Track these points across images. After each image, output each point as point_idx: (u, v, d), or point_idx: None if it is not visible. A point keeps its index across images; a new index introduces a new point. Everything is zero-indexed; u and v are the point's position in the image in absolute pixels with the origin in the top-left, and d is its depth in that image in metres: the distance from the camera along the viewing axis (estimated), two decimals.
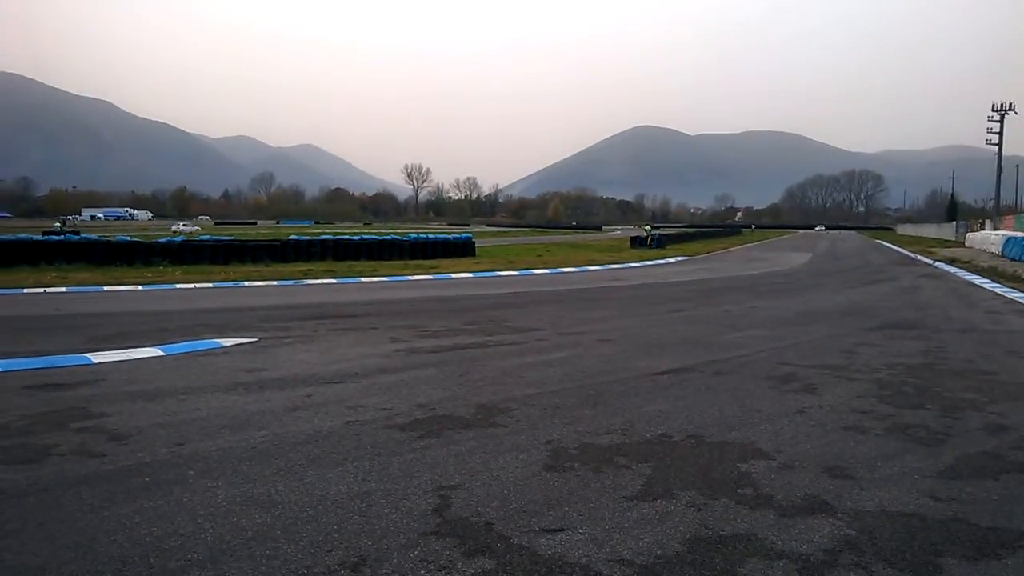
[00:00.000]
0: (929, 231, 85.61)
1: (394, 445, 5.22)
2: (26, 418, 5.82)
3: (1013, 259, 29.29)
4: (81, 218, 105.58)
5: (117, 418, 5.85)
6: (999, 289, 18.23)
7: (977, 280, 21.14)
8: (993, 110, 58.91)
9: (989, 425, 5.89)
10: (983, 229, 49.67)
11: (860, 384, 7.39)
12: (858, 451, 5.18)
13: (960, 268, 26.53)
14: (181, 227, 77.23)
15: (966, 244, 48.05)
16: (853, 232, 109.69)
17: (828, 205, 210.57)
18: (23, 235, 24.56)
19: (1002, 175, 59.73)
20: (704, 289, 19.07)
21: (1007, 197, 67.20)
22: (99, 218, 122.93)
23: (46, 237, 25.51)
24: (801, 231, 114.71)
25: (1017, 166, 68.65)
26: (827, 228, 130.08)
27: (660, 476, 4.64)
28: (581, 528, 3.84)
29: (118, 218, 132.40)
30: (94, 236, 26.79)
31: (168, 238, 26.80)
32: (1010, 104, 58.61)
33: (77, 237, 26.31)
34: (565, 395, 6.78)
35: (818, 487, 4.46)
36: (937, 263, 30.23)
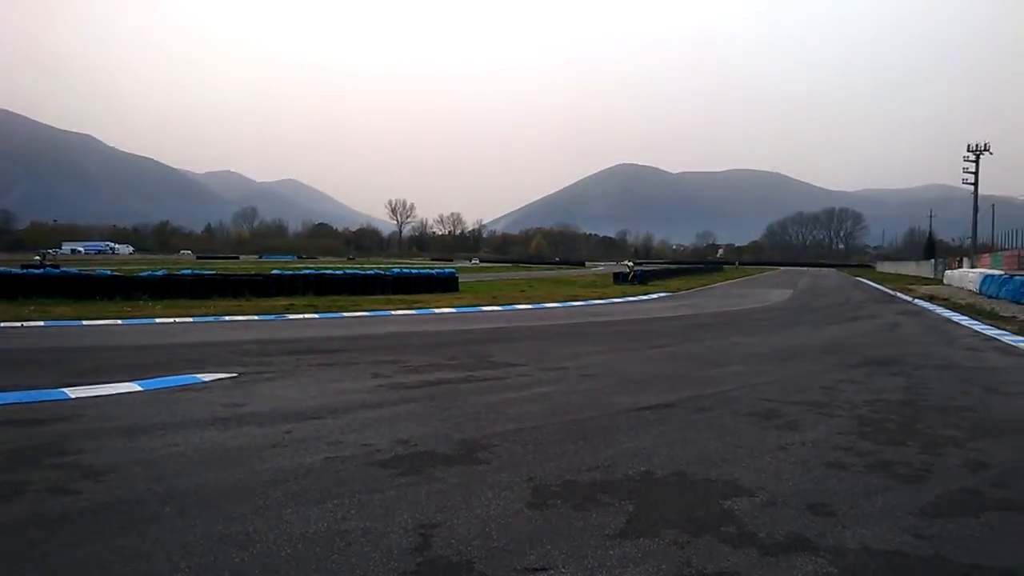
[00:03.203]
0: (908, 268, 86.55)
1: (374, 482, 5.17)
2: None
3: (990, 296, 29.60)
4: (61, 252, 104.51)
5: (93, 454, 5.76)
6: (977, 326, 18.43)
7: (955, 317, 21.39)
8: (969, 150, 60.28)
9: (970, 462, 5.91)
10: (961, 267, 50.28)
11: (842, 420, 7.41)
12: (840, 488, 5.18)
13: (939, 305, 26.83)
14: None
15: (944, 281, 48.55)
16: (833, 270, 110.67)
17: (808, 243, 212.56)
18: (2, 268, 24.20)
19: (978, 214, 60.87)
20: (686, 325, 19.15)
21: (984, 235, 68.02)
22: (79, 252, 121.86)
23: (25, 271, 25.24)
24: (782, 268, 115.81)
25: (993, 205, 69.71)
26: (803, 265, 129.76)
27: (643, 514, 4.62)
28: (564, 567, 3.80)
29: (99, 252, 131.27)
30: (74, 270, 26.51)
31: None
32: (985, 145, 59.99)
33: (57, 271, 26.07)
34: (547, 431, 6.75)
35: (800, 524, 4.45)
36: (916, 300, 30.57)
